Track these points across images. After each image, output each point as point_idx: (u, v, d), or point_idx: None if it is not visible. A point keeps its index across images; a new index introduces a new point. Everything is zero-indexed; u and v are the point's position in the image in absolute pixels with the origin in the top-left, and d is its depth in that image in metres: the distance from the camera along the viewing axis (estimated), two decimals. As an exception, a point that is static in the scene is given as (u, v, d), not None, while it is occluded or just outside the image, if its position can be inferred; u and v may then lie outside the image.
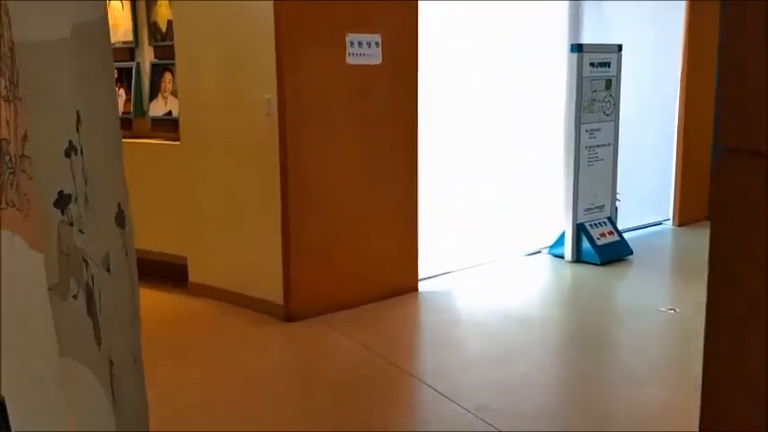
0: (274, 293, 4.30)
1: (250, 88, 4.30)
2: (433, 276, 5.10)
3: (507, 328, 4.27)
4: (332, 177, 4.34)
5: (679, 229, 7.07)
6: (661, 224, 7.15)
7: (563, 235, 5.79)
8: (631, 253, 5.85)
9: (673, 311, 4.43)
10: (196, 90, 4.66)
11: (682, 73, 6.95)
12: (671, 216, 7.21)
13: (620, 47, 5.84)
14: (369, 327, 4.25)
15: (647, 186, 6.96)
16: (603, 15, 6.28)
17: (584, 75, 5.60)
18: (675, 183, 7.14)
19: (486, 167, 5.59)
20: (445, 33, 5.12)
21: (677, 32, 6.86)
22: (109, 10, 2.89)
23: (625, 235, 6.14)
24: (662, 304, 4.56)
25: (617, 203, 6.13)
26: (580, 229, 5.71)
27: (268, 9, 4.03)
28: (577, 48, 5.56)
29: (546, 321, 4.49)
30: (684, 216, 7.20)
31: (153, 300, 4.42)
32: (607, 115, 5.84)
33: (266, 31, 4.07)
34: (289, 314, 4.27)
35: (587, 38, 6.00)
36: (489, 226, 5.62)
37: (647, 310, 4.54)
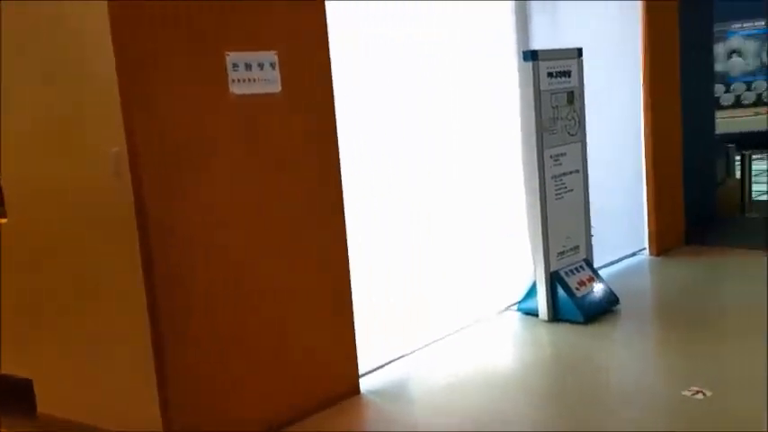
0: (151, 424, 2.95)
1: (92, 138, 2.99)
2: (379, 367, 3.84)
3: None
4: (221, 251, 3.05)
5: (658, 259, 6.04)
6: (636, 254, 6.13)
7: (533, 286, 4.65)
8: (617, 302, 4.75)
9: (701, 395, 3.29)
10: (22, 146, 3.31)
11: (644, 76, 5.98)
12: (647, 244, 6.21)
13: (579, 51, 4.78)
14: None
15: (618, 212, 5.92)
16: (550, 14, 5.23)
17: (541, 88, 4.50)
18: (648, 206, 6.14)
19: (430, 211, 4.37)
20: (367, 45, 3.92)
21: (635, 31, 5.90)
22: None
23: (601, 272, 5.06)
24: (683, 384, 3.42)
25: (591, 239, 5.04)
26: (555, 279, 4.57)
27: (101, 19, 2.73)
28: (531, 55, 4.46)
29: (535, 424, 3.28)
30: (662, 243, 6.19)
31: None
32: (572, 135, 4.76)
33: (105, 53, 2.77)
34: (172, 458, 2.92)
35: (538, 42, 4.93)
36: (442, 285, 4.41)
37: (665, 396, 3.40)
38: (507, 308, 4.80)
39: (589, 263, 4.88)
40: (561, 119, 4.66)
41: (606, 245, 5.50)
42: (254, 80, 3.09)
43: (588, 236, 4.93)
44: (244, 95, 3.07)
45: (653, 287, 5.54)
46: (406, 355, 4.04)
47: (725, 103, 15.70)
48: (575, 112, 4.75)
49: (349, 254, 3.52)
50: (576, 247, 4.80)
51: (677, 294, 5.12)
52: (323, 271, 3.43)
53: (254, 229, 3.15)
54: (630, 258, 6.04)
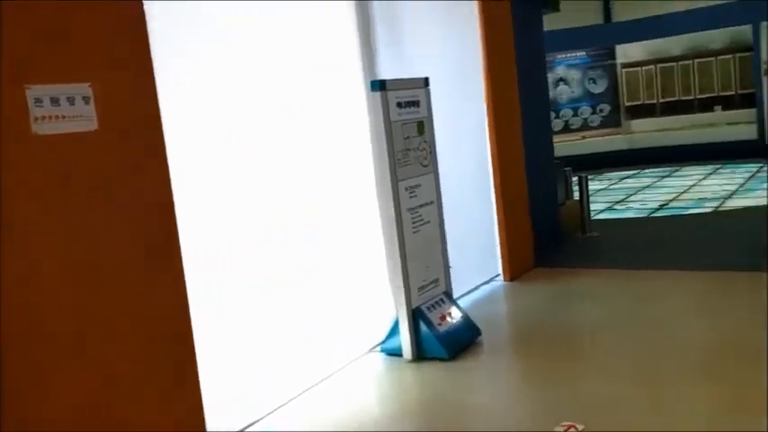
0: None
1: None
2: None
3: None
4: (32, 310, 2.52)
5: (512, 285, 6.09)
6: (492, 281, 6.15)
7: (396, 324, 4.43)
8: (479, 333, 4.65)
9: (574, 431, 3.20)
10: None
11: (488, 105, 6.06)
12: (500, 270, 6.25)
13: (426, 81, 4.69)
14: None
15: (471, 240, 5.91)
16: (396, 47, 5.13)
17: (391, 118, 4.34)
18: (500, 232, 6.19)
19: (286, 250, 4.03)
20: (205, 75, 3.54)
21: (475, 52, 5.97)
22: None
23: (460, 302, 4.97)
24: (554, 419, 3.32)
25: (450, 270, 4.93)
26: (417, 316, 4.38)
27: None
28: (380, 85, 4.30)
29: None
30: (514, 268, 6.26)
31: None
32: (425, 166, 4.64)
33: None
34: None
35: (385, 74, 4.78)
36: (300, 331, 4.07)
37: (537, 432, 3.28)
38: (370, 350, 4.55)
39: (449, 295, 4.76)
40: (413, 149, 4.53)
41: (462, 274, 5.43)
42: (64, 117, 2.62)
43: (446, 267, 4.81)
44: (52, 136, 2.58)
45: (511, 315, 5.54)
46: (262, 418, 3.64)
47: (555, 129, 16.78)
48: (426, 142, 4.64)
49: (189, 304, 3.09)
50: (436, 280, 4.67)
51: (535, 321, 5.13)
52: (159, 334, 2.97)
53: (69, 290, 2.65)
54: (486, 285, 6.04)
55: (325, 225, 4.30)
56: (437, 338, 4.33)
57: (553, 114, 16.38)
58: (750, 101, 14.11)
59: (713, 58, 14.76)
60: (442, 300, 4.64)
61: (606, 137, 15.71)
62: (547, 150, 7.37)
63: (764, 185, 10.22)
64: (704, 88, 14.90)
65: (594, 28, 15.79)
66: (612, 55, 15.88)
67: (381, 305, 4.53)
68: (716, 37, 14.71)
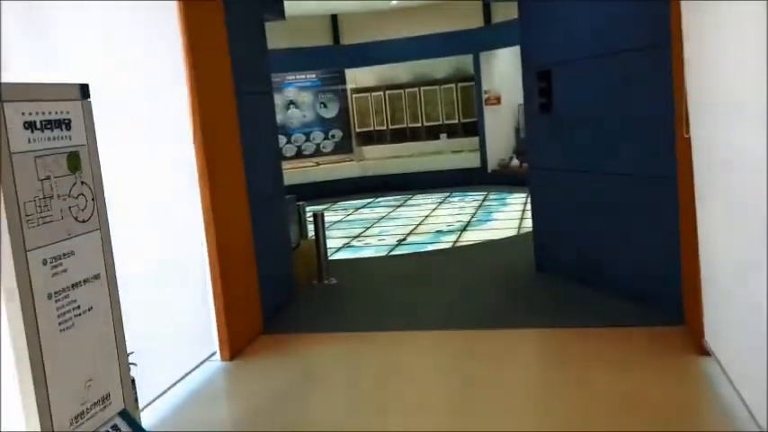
0: None
1: None
2: None
3: None
4: None
5: (232, 366, 4.64)
6: (204, 363, 4.63)
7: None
8: (178, 469, 3.11)
9: None
10: None
11: (194, 133, 4.58)
12: (217, 347, 4.75)
13: (84, 89, 3.05)
14: None
15: (173, 311, 4.35)
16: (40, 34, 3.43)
17: (15, 149, 2.64)
18: (215, 295, 4.71)
19: None
20: None
21: (172, 53, 4.47)
22: None
23: (155, 410, 3.41)
24: None
25: (132, 373, 3.33)
26: (67, 468, 2.70)
27: None
28: (-12, 91, 2.57)
29: None
30: (236, 341, 4.83)
31: None
32: (83, 221, 2.99)
33: None
34: None
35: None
36: None
37: None
38: None
39: (128, 416, 3.14)
40: (61, 197, 2.86)
41: (160, 360, 3.86)
42: None
43: (125, 370, 3.19)
44: None
45: (222, 424, 4.00)
46: None
47: (288, 154, 15.75)
48: (84, 184, 2.99)
49: None
50: (106, 398, 3.02)
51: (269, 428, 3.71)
52: None
53: None
54: (197, 371, 4.50)
55: None
56: (102, 502, 2.70)
57: (285, 139, 15.33)
58: (473, 129, 14.46)
59: (438, 87, 14.93)
60: (115, 427, 3.01)
61: (339, 163, 15.06)
62: (276, 184, 6.08)
63: (492, 216, 10.13)
64: (430, 116, 15.00)
65: (323, 49, 15.12)
66: (343, 79, 15.34)
67: None
68: (440, 66, 14.91)
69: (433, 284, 6.37)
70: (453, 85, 14.80)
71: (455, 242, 8.40)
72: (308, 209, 7.26)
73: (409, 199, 12.96)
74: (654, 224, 4.87)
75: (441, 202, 12.12)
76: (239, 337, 4.86)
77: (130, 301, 3.30)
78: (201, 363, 4.58)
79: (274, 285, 5.65)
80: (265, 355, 4.81)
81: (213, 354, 4.70)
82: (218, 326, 4.71)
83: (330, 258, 7.71)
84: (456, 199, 12.42)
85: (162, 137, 4.35)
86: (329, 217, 11.40)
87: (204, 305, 4.65)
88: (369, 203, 12.99)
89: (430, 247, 8.23)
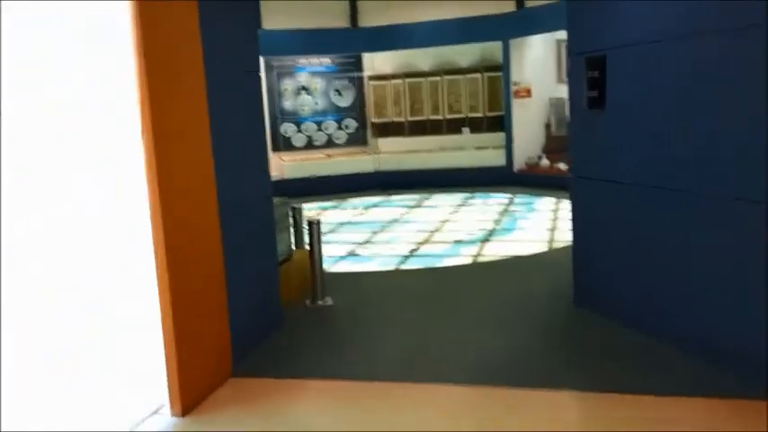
0: None
1: None
2: None
3: None
4: None
5: (189, 423, 3.56)
6: (149, 420, 3.56)
7: None
8: None
9: None
10: None
11: (144, 130, 3.50)
12: (167, 396, 3.69)
13: None
14: None
15: (106, 347, 3.29)
16: None
17: None
18: (165, 330, 3.64)
19: None
20: None
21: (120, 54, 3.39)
22: None
23: None
24: None
25: None
26: None
27: None
28: None
29: None
30: (193, 387, 3.75)
31: None
32: None
33: None
34: None
35: None
36: None
37: None
38: None
39: None
40: None
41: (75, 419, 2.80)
42: None
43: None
44: None
45: None
46: None
47: (297, 144, 14.67)
48: None
49: None
50: None
51: None
52: None
53: None
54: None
55: None
56: None
57: (294, 127, 14.25)
58: (499, 124, 13.27)
59: (462, 76, 13.73)
60: None
61: (352, 156, 13.95)
62: (260, 184, 4.97)
63: (518, 223, 8.98)
64: (453, 107, 13.81)
65: (339, 32, 13.99)
66: (360, 65, 14.20)
67: None
68: (466, 53, 13.72)
69: (450, 315, 5.25)
70: (479, 75, 13.59)
71: (476, 256, 7.26)
72: (309, 207, 6.15)
73: (426, 199, 11.82)
74: (752, 267, 3.70)
75: (461, 205, 10.96)
76: (197, 383, 3.79)
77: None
78: (144, 420, 3.52)
79: (251, 312, 4.57)
80: (232, 408, 3.74)
81: (161, 407, 3.63)
82: (167, 369, 3.64)
83: (329, 271, 6.63)
84: (478, 201, 11.27)
85: (93, 133, 3.27)
86: (336, 217, 10.30)
87: (151, 340, 3.59)
88: (382, 202, 11.87)
89: (447, 261, 7.10)
